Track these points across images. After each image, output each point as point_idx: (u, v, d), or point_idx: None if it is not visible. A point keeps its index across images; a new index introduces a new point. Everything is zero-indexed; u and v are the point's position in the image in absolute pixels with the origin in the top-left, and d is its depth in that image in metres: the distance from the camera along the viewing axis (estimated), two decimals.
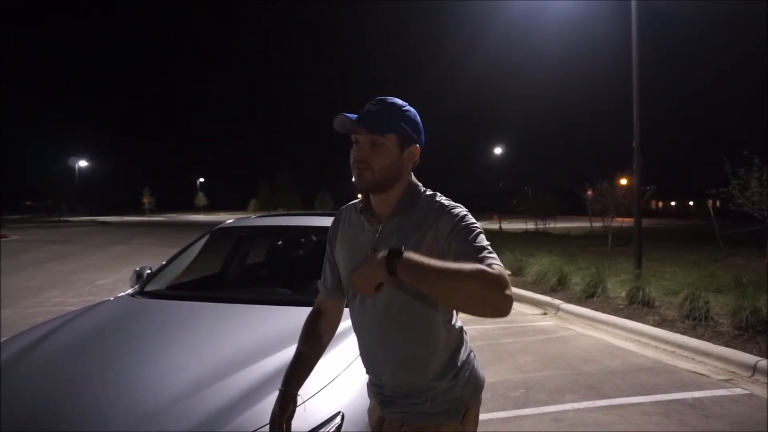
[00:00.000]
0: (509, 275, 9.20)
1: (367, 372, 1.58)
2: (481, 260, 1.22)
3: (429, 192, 1.46)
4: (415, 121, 1.42)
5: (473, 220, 1.37)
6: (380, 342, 1.47)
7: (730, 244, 13.61)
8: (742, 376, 4.60)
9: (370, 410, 1.64)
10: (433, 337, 1.43)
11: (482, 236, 1.33)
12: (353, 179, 1.41)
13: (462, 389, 1.45)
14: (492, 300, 1.16)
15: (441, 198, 1.44)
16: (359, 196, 1.56)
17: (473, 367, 1.52)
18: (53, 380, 1.94)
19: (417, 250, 1.23)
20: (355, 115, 1.36)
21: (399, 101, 1.43)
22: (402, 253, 1.17)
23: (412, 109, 1.44)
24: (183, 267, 3.56)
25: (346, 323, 2.31)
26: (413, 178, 1.47)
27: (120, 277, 10.15)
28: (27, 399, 1.83)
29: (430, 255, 1.22)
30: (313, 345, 1.60)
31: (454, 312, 1.48)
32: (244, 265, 4.18)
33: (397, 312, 1.41)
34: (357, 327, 1.54)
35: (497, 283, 1.15)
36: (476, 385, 1.51)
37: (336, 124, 1.37)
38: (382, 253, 1.19)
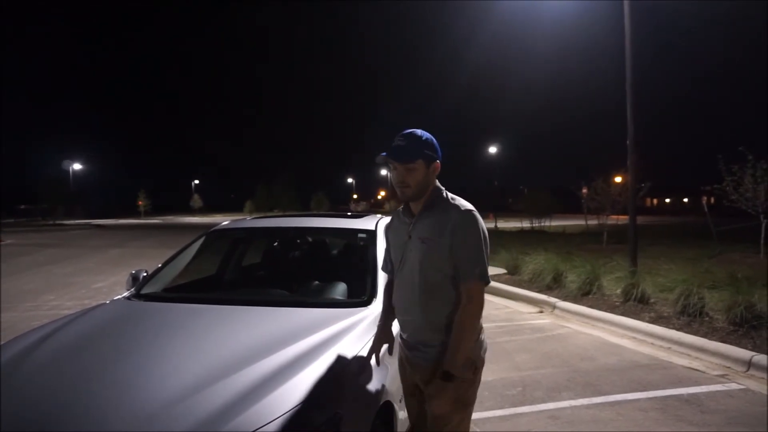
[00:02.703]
0: (505, 274, 9.17)
1: (401, 326, 2.14)
2: (470, 272, 1.91)
3: (449, 194, 2.03)
4: (433, 145, 2.00)
5: (477, 226, 1.94)
6: (411, 304, 2.03)
7: (724, 241, 13.70)
8: (737, 372, 4.63)
9: (400, 359, 2.20)
10: (451, 307, 1.96)
11: (477, 245, 1.92)
12: (398, 193, 2.01)
13: (473, 351, 1.98)
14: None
15: (456, 199, 2.02)
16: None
17: (480, 334, 2.06)
18: (51, 383, 1.94)
19: (441, 242, 1.92)
20: (393, 153, 1.95)
21: (419, 132, 1.99)
22: (452, 373, 1.87)
23: (427, 135, 2.00)
24: (179, 269, 3.55)
25: (338, 326, 2.34)
26: (437, 183, 2.04)
27: (117, 280, 10.12)
28: (25, 402, 1.83)
29: (450, 240, 1.92)
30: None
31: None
32: (240, 266, 4.18)
33: (425, 285, 1.97)
34: (396, 293, 2.13)
35: (479, 310, 1.96)
36: (484, 347, 2.08)
37: (378, 160, 2.00)
38: (438, 383, 1.91)
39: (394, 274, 2.16)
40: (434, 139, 2.01)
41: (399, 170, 1.96)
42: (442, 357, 1.96)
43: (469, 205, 1.99)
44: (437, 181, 2.04)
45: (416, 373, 2.08)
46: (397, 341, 2.24)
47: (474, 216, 1.95)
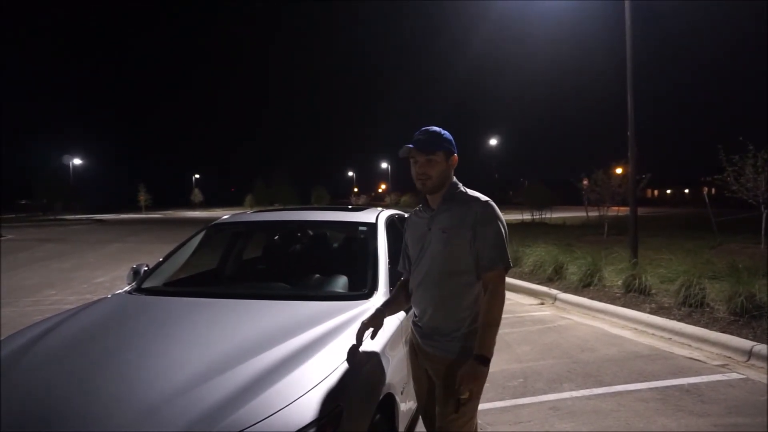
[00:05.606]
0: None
1: (416, 314, 2.20)
2: (493, 261, 1.99)
3: (464, 188, 2.12)
4: (451, 140, 2.10)
5: (498, 217, 2.02)
6: (428, 291, 2.09)
7: (725, 231, 13.68)
8: (737, 361, 4.64)
9: (411, 345, 2.27)
10: (467, 296, 2.04)
11: (499, 234, 2.00)
12: (418, 187, 2.10)
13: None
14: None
15: (473, 192, 2.11)
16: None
17: None
18: (52, 378, 1.94)
19: (462, 233, 2.01)
20: (412, 144, 2.03)
21: (438, 129, 2.10)
22: (482, 356, 1.92)
23: (445, 131, 2.10)
24: (180, 263, 3.55)
25: (339, 319, 2.34)
26: (454, 177, 2.14)
27: (117, 274, 10.14)
28: (26, 396, 1.83)
29: (472, 231, 1.99)
30: (401, 297, 2.28)
31: (480, 292, 2.05)
32: (240, 260, 4.18)
33: (443, 274, 2.04)
34: (414, 284, 2.17)
35: (503, 295, 2.01)
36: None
37: (401, 152, 2.06)
38: (474, 365, 1.92)
39: (412, 266, 2.21)
40: (451, 136, 2.11)
41: (420, 162, 2.05)
42: (453, 349, 2.04)
43: (486, 197, 2.07)
44: (454, 176, 2.14)
45: (427, 361, 2.14)
46: (410, 328, 2.29)
47: (494, 207, 2.04)
